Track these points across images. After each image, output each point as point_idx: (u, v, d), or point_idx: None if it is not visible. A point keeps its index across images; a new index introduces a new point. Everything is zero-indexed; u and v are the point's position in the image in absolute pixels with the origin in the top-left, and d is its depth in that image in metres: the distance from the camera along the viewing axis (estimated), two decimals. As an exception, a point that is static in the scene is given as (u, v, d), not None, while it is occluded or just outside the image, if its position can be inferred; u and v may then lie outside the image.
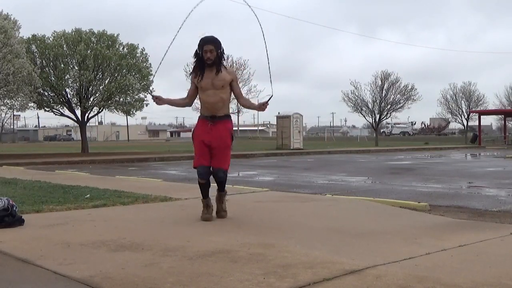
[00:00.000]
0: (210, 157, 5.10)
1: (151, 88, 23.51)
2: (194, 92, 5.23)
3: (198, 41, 5.06)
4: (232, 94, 5.23)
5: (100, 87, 23.72)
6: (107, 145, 46.93)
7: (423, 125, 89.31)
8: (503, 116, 49.34)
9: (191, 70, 5.23)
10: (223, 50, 5.08)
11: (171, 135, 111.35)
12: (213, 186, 5.27)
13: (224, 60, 5.12)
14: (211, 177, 5.17)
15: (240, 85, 5.31)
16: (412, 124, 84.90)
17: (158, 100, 5.21)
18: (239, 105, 33.42)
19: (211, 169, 5.13)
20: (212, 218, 5.15)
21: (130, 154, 22.34)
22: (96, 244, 3.97)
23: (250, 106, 5.53)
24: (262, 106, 5.17)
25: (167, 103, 5.30)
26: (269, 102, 5.14)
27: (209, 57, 4.99)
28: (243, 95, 5.34)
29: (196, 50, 5.08)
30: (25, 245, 3.96)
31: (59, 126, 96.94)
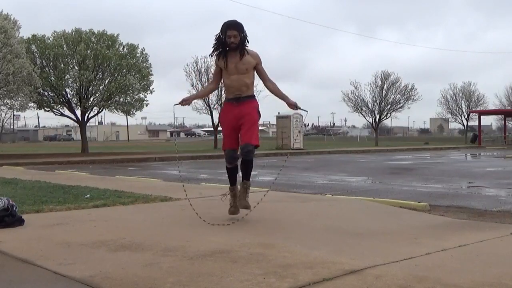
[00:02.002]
0: (238, 139, 5.05)
1: (176, 104, 23.44)
2: (218, 75, 5.23)
3: (221, 26, 5.05)
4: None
5: (100, 87, 23.73)
6: (107, 145, 46.92)
7: (312, 126, 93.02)
8: (503, 116, 49.34)
9: (212, 52, 5.15)
10: (246, 33, 5.06)
11: (171, 135, 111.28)
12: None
13: (247, 43, 5.09)
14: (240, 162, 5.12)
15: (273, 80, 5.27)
16: (305, 126, 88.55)
17: (186, 101, 5.22)
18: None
19: (237, 152, 5.07)
20: (238, 212, 5.08)
21: (130, 154, 22.34)
22: (96, 244, 3.97)
23: (278, 93, 5.23)
24: (295, 105, 5.09)
25: (194, 99, 5.30)
26: (300, 109, 5.15)
27: (233, 41, 4.98)
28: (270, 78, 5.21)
29: (219, 34, 5.05)
30: (25, 245, 3.96)
31: (59, 126, 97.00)
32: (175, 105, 5.30)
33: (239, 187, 5.18)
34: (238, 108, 5.02)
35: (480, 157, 22.58)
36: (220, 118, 5.22)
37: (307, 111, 5.27)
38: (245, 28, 5.06)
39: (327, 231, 4.60)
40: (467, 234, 4.45)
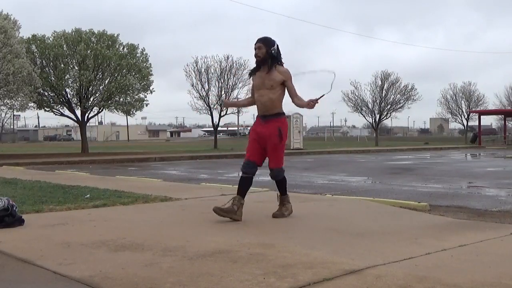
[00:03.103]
0: (261, 154, 5.19)
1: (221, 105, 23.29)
2: (252, 89, 5.38)
3: None
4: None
5: (100, 87, 23.73)
6: (107, 145, 46.91)
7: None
8: (503, 116, 49.34)
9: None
10: (276, 49, 5.11)
11: (171, 135, 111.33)
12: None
13: (278, 60, 5.14)
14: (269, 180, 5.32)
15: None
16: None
17: (226, 104, 5.44)
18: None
19: (257, 168, 5.22)
20: (222, 213, 4.99)
21: (130, 154, 22.34)
22: (96, 244, 3.97)
23: (301, 105, 5.28)
24: (310, 103, 5.06)
25: (233, 106, 5.40)
26: (319, 99, 5.04)
27: (256, 53, 5.09)
28: (297, 94, 5.23)
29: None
30: (25, 245, 3.96)
31: (59, 126, 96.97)
32: (223, 105, 5.55)
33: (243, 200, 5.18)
34: (263, 126, 5.15)
35: (480, 157, 22.58)
36: (250, 130, 5.38)
37: (325, 93, 5.11)
38: (276, 44, 5.13)
39: (327, 231, 4.60)
40: (467, 234, 4.45)
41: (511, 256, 3.67)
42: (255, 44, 5.12)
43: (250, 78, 5.37)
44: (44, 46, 22.96)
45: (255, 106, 5.33)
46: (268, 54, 5.06)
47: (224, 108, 6.20)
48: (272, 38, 5.18)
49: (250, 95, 5.60)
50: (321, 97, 5.05)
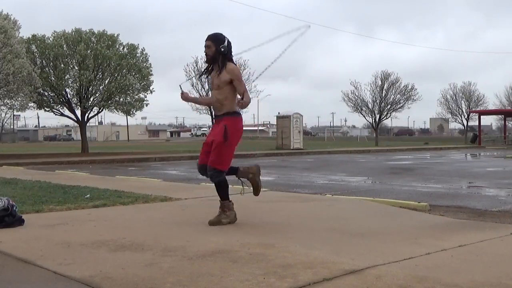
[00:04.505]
0: (209, 154, 4.87)
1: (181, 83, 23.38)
2: None
3: None
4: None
5: (100, 87, 23.72)
6: (107, 145, 46.91)
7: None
8: (503, 116, 49.36)
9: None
10: (225, 47, 4.83)
11: (171, 135, 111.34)
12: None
13: (229, 58, 4.88)
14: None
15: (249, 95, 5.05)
16: (209, 128, 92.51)
17: (185, 98, 5.24)
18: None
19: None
20: (216, 223, 4.87)
21: (130, 154, 22.33)
22: (96, 244, 3.97)
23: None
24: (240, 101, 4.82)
25: (192, 102, 5.20)
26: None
27: (206, 52, 4.90)
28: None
29: None
30: (25, 245, 3.96)
31: (59, 126, 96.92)
32: (180, 85, 5.28)
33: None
34: (215, 126, 4.98)
35: (480, 157, 22.57)
36: None
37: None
38: (226, 42, 4.84)
39: (327, 231, 4.60)
40: (467, 234, 4.45)
41: (511, 256, 3.67)
42: (205, 42, 4.86)
43: (206, 78, 5.20)
44: (44, 46, 22.95)
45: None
46: (217, 52, 4.81)
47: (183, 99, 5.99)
48: (223, 34, 4.92)
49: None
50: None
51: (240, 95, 4.86)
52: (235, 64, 5.00)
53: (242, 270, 3.19)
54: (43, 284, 3.03)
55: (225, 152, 4.81)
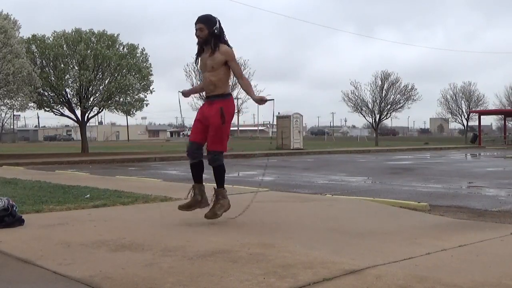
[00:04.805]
0: (204, 133, 4.89)
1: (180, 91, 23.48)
2: None
3: None
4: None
5: (100, 87, 23.71)
6: (107, 145, 46.91)
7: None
8: (503, 116, 49.36)
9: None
10: (217, 29, 4.80)
11: (171, 135, 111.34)
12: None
13: (222, 39, 4.86)
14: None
15: (247, 78, 5.10)
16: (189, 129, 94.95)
17: (187, 94, 5.30)
18: (238, 104, 33.47)
19: (202, 148, 4.98)
20: (188, 208, 4.98)
21: (130, 154, 22.33)
22: (96, 244, 3.97)
23: (249, 91, 5.09)
24: (262, 100, 4.93)
25: (193, 93, 5.28)
26: (267, 101, 5.00)
27: (198, 35, 4.85)
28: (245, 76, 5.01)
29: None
30: (25, 245, 3.96)
31: (59, 126, 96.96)
32: (179, 92, 5.34)
33: (204, 184, 5.07)
34: (207, 108, 4.91)
35: (480, 157, 22.57)
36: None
37: (273, 99, 5.29)
38: (218, 23, 4.83)
39: (327, 231, 4.60)
40: (467, 234, 4.45)
41: (511, 256, 3.67)
42: (195, 24, 4.82)
43: (195, 62, 5.12)
44: (44, 46, 22.95)
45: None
46: (210, 34, 4.79)
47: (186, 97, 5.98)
48: (213, 16, 4.89)
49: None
50: (269, 100, 5.08)
51: (238, 76, 4.96)
52: (230, 46, 4.95)
53: (242, 270, 3.19)
54: (43, 284, 3.03)
55: (223, 133, 4.89)
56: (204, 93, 5.13)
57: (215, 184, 5.00)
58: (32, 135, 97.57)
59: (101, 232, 4.45)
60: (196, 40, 4.96)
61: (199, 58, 5.04)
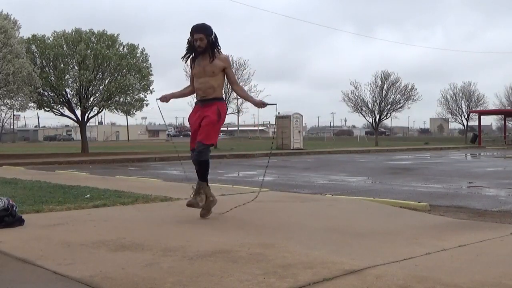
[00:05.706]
0: None
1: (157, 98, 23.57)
2: (193, 78, 5.35)
3: (190, 29, 5.11)
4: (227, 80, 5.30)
5: (100, 87, 23.71)
6: (107, 145, 46.91)
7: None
8: (503, 116, 49.35)
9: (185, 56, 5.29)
10: (214, 36, 5.10)
11: (168, 136, 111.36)
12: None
13: (218, 46, 5.14)
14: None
15: (241, 84, 5.32)
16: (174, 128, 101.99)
17: (164, 99, 5.36)
18: (238, 104, 33.44)
19: None
20: (197, 205, 5.09)
21: (130, 154, 22.33)
22: (96, 244, 3.96)
23: (246, 97, 5.61)
24: (263, 103, 5.22)
25: (171, 98, 5.39)
26: (268, 105, 5.23)
27: (199, 45, 5.06)
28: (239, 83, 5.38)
29: (189, 38, 5.14)
30: (25, 245, 3.96)
31: (59, 126, 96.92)
32: (157, 99, 5.49)
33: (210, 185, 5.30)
34: (202, 109, 5.13)
35: (480, 157, 22.58)
36: (188, 120, 5.36)
37: (275, 104, 5.40)
38: (213, 31, 5.10)
39: (327, 231, 4.60)
40: (467, 234, 4.45)
41: (511, 256, 3.67)
42: (195, 35, 5.04)
43: (185, 62, 5.35)
44: (44, 46, 22.94)
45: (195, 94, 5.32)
46: (209, 43, 5.06)
47: (164, 102, 5.97)
48: (207, 24, 5.14)
49: (189, 85, 5.49)
50: (270, 104, 5.26)
51: (233, 82, 5.31)
52: (222, 53, 5.22)
53: (242, 270, 3.19)
54: (43, 284, 3.03)
55: (216, 130, 5.13)
56: (197, 97, 5.27)
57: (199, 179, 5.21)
58: (32, 135, 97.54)
59: (101, 232, 4.45)
60: (187, 46, 5.18)
61: (194, 64, 5.22)
